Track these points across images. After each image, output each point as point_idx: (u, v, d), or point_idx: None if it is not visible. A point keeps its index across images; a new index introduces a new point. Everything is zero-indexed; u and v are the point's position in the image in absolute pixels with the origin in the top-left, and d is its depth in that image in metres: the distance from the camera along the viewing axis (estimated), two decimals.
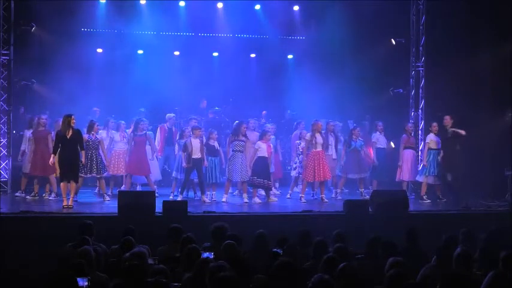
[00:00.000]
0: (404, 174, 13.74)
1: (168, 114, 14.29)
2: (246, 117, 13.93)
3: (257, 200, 12.53)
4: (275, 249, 7.26)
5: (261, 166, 12.52)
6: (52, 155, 11.52)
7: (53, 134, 12.14)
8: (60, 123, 11.54)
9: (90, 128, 12.37)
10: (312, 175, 12.76)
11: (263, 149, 12.62)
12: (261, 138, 12.83)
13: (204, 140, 12.84)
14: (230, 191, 13.04)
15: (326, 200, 12.88)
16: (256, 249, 7.32)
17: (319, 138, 12.85)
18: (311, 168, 12.74)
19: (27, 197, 12.58)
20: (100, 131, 12.92)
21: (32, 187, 12.72)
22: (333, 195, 13.65)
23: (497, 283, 4.77)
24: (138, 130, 12.90)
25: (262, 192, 12.87)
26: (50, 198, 12.54)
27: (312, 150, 12.81)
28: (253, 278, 5.68)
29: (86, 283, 5.38)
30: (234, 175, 12.53)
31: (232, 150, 12.60)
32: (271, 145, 13.15)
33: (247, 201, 12.49)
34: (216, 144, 12.88)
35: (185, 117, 14.93)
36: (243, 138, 12.61)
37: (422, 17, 15.08)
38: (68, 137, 11.32)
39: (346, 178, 13.88)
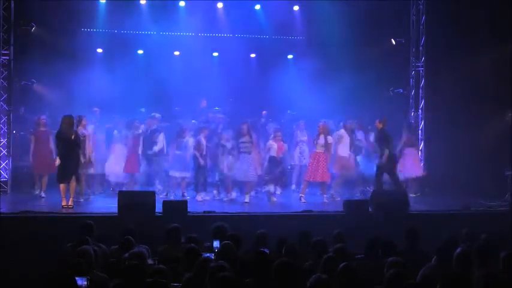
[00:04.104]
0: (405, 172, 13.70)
1: (152, 114, 14.11)
2: (246, 117, 13.93)
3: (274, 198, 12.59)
4: (262, 249, 7.21)
5: (273, 165, 12.60)
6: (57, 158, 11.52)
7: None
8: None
9: (78, 123, 12.03)
10: (311, 175, 12.78)
11: (274, 148, 12.69)
12: (272, 137, 12.92)
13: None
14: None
15: (326, 200, 12.89)
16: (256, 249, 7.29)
17: (321, 140, 12.85)
18: (311, 168, 12.77)
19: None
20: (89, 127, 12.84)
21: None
22: (333, 195, 13.68)
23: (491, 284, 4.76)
24: (134, 129, 12.97)
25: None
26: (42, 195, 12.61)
27: (314, 150, 12.88)
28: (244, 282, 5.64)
29: (85, 282, 5.37)
30: (238, 175, 12.54)
31: (237, 152, 12.61)
32: (284, 145, 13.20)
33: (248, 201, 12.50)
34: (228, 145, 12.85)
35: (184, 118, 14.87)
36: (246, 139, 12.58)
37: (422, 17, 15.09)
38: (72, 138, 11.31)
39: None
